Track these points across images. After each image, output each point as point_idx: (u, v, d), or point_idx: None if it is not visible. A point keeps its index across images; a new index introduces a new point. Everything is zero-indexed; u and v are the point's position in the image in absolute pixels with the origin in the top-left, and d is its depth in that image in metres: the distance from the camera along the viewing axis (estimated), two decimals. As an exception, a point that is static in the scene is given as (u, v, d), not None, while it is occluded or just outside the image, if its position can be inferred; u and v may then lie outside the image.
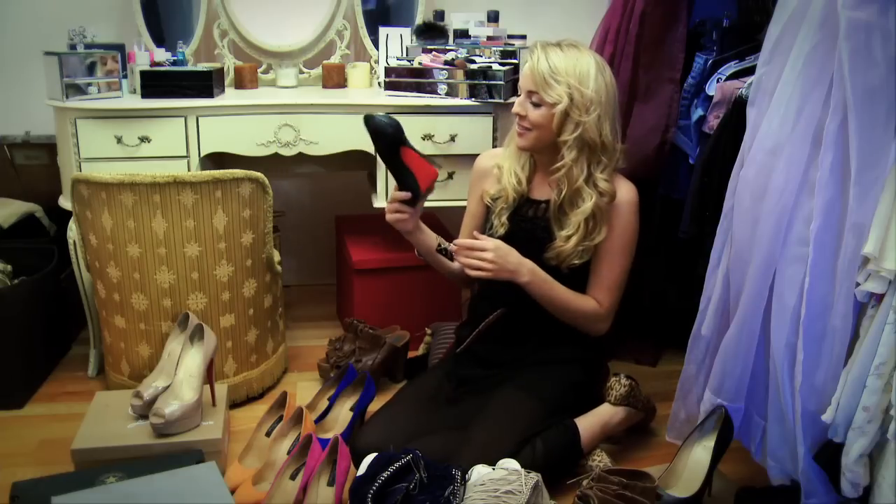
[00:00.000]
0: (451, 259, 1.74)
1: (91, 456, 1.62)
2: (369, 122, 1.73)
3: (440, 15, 2.48)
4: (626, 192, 1.77)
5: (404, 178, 1.75)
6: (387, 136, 1.72)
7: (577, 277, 1.78)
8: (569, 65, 1.67)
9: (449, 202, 2.23)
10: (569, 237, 1.74)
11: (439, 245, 1.77)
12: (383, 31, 2.50)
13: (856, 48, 1.24)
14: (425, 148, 2.17)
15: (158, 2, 2.47)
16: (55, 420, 1.94)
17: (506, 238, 1.78)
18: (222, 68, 2.37)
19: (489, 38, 2.36)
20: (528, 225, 1.81)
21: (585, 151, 1.70)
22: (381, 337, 2.16)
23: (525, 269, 1.71)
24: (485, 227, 1.88)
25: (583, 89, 1.66)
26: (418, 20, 2.54)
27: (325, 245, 2.83)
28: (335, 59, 2.56)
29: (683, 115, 2.01)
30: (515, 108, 1.74)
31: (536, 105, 1.71)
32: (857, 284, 1.29)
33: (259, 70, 2.49)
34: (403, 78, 2.25)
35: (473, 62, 2.21)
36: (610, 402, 1.82)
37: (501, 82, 2.15)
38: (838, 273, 1.32)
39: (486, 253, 1.67)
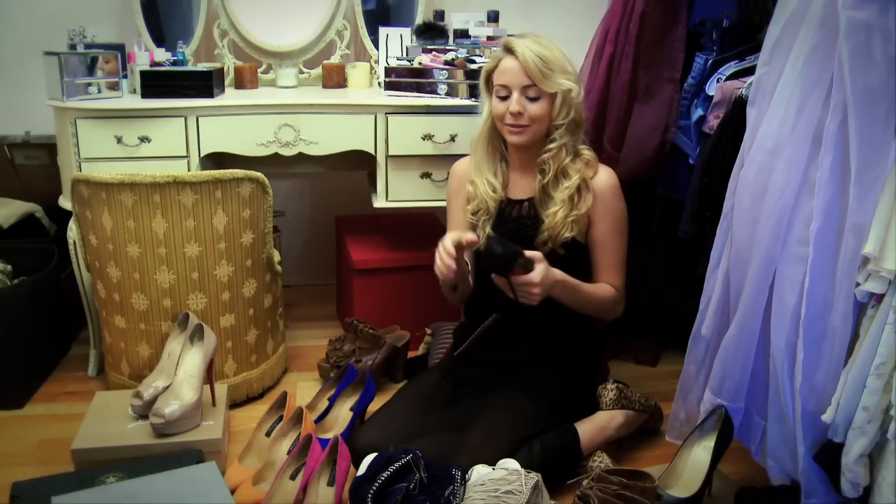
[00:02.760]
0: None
1: (91, 456, 1.62)
2: (485, 245, 1.62)
3: (440, 15, 2.48)
4: (605, 176, 1.80)
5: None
6: (495, 262, 1.61)
7: (573, 259, 1.79)
8: (550, 53, 1.71)
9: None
10: (556, 213, 1.75)
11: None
12: (383, 31, 2.50)
13: (856, 48, 1.24)
14: (425, 148, 2.18)
15: (158, 2, 2.47)
16: (55, 420, 1.94)
17: None
18: (222, 68, 2.37)
19: (489, 38, 2.36)
20: (514, 226, 1.81)
21: (572, 131, 1.76)
22: (381, 337, 2.16)
23: (559, 282, 1.69)
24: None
25: (569, 73, 1.73)
26: (418, 20, 2.54)
27: (325, 245, 2.83)
28: (335, 59, 2.56)
29: (683, 115, 2.01)
30: (513, 109, 1.71)
31: (533, 99, 1.72)
32: (857, 284, 1.29)
33: (259, 70, 2.49)
34: (403, 78, 2.24)
35: (473, 62, 2.21)
36: (602, 409, 1.83)
37: (501, 82, 2.15)
38: (838, 273, 1.32)
39: (535, 287, 1.62)
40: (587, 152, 1.80)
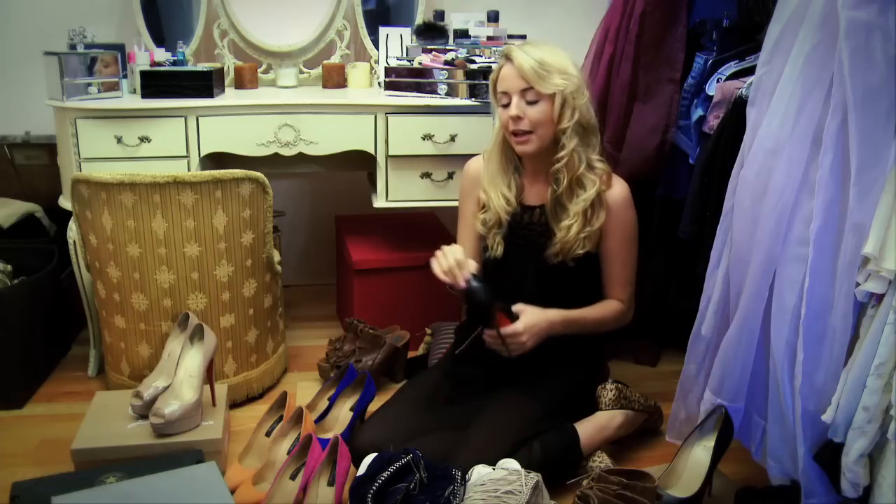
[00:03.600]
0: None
1: (91, 456, 1.62)
2: (468, 285, 1.65)
3: (440, 15, 2.48)
4: (618, 188, 1.79)
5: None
6: (477, 304, 1.66)
7: (584, 270, 1.79)
8: (550, 56, 1.70)
9: (448, 202, 2.23)
10: (569, 227, 1.74)
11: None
12: (383, 31, 2.50)
13: (856, 48, 1.24)
14: (425, 148, 2.18)
15: (158, 2, 2.47)
16: (55, 420, 1.94)
17: (504, 254, 1.80)
18: (222, 68, 2.37)
19: (489, 38, 2.36)
20: (525, 232, 1.81)
21: (581, 135, 1.73)
22: (381, 337, 2.16)
23: (555, 324, 1.71)
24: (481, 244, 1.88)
25: (570, 74, 1.71)
26: (418, 20, 2.54)
27: (325, 245, 2.83)
28: (335, 59, 2.56)
29: (683, 115, 2.01)
30: (512, 113, 1.70)
31: (532, 103, 1.71)
32: (857, 284, 1.29)
33: (259, 70, 2.49)
34: (403, 78, 2.24)
35: (473, 62, 2.21)
36: (601, 409, 1.83)
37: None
38: (838, 273, 1.32)
39: (522, 336, 1.66)
40: (601, 165, 1.77)
